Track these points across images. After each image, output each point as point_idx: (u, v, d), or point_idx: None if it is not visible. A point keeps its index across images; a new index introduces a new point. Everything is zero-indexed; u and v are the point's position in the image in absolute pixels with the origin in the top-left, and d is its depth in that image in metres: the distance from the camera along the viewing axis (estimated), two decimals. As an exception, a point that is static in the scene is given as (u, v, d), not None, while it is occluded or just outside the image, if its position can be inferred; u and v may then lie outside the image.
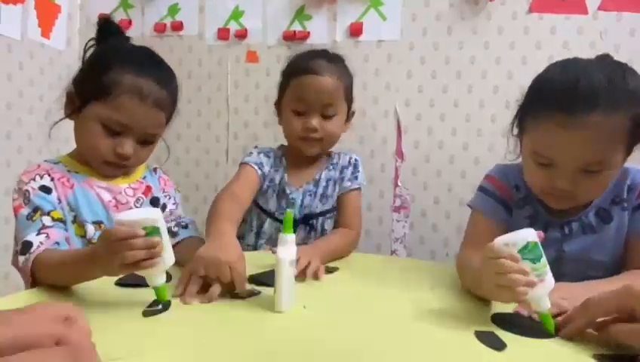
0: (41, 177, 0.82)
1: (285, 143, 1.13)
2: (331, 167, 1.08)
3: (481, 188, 0.90)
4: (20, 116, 1.43)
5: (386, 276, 0.86)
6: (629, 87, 0.68)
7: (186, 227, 0.94)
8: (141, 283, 0.65)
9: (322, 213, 1.05)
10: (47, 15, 1.51)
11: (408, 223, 1.52)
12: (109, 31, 0.89)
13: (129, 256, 0.58)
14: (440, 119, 1.49)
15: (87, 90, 0.83)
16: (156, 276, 0.62)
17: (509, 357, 0.53)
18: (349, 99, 1.07)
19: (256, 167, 1.02)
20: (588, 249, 0.81)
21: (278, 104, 1.10)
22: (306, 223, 1.05)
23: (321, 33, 1.56)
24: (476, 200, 0.90)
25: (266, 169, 1.04)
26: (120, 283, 0.72)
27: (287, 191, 1.04)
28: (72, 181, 0.85)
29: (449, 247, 1.49)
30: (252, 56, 1.62)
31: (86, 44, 0.88)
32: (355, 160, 1.10)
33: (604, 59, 0.75)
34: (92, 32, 0.90)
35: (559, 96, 0.70)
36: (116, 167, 0.87)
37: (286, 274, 0.62)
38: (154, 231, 0.59)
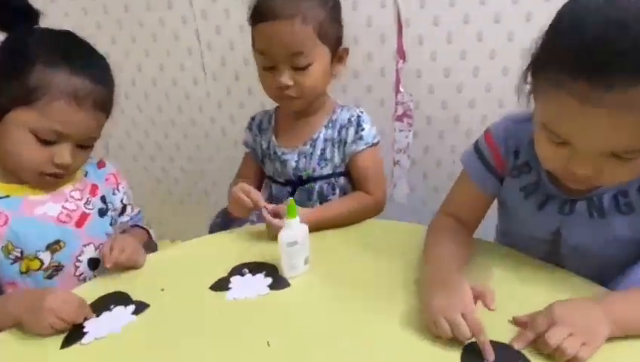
0: None
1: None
2: (330, 125, 0.95)
3: (475, 147, 0.76)
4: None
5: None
6: None
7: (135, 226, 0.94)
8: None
9: (321, 178, 0.95)
10: None
11: (412, 132, 1.38)
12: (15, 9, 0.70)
13: None
14: (449, 4, 1.26)
15: (9, 94, 0.69)
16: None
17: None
18: (329, 37, 0.86)
19: (245, 147, 1.04)
20: (589, 236, 0.67)
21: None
22: (302, 186, 0.98)
23: None
24: (467, 159, 0.77)
25: (251, 142, 1.03)
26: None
27: (279, 153, 0.97)
28: (5, 212, 0.73)
29: (455, 154, 1.36)
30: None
31: None
32: (358, 117, 0.93)
33: None
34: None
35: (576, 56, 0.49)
36: (55, 178, 0.76)
37: (286, 254, 0.72)
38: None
